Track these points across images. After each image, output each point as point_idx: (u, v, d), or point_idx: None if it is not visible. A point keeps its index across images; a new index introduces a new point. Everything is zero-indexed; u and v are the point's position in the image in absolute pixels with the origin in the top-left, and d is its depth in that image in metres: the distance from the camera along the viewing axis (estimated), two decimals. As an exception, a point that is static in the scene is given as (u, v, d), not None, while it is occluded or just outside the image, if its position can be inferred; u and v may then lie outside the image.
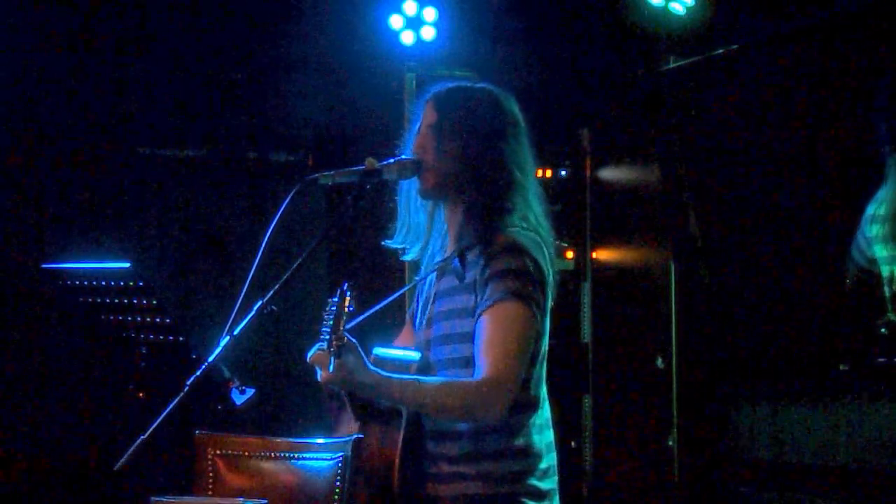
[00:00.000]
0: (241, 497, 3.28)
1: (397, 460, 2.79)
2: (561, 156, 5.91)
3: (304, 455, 3.55)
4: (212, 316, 5.12)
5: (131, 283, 3.60)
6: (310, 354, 2.77)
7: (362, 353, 2.74)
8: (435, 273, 2.97)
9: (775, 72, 5.11)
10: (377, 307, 2.99)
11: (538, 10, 5.74)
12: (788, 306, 4.98)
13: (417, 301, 3.10)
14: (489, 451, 2.81)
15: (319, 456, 3.54)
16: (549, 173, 5.93)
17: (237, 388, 3.08)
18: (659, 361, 5.60)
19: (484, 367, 2.71)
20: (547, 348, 2.88)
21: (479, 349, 2.74)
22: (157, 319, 3.68)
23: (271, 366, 5.47)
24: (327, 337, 2.67)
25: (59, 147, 5.27)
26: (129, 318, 3.73)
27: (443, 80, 3.11)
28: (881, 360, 4.01)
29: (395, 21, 5.43)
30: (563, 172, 5.95)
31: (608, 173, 5.99)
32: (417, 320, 3.04)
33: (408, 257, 3.09)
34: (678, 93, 5.55)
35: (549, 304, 2.86)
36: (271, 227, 2.89)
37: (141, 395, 3.82)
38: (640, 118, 5.74)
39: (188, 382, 2.78)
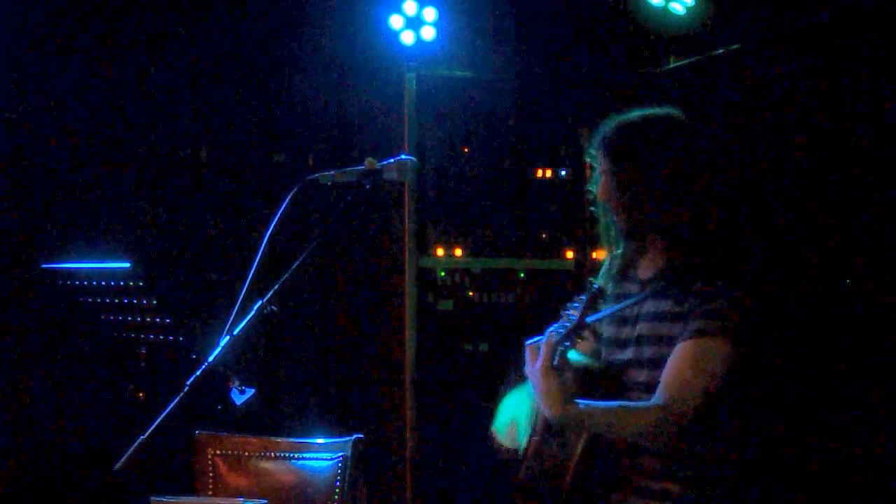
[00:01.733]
0: (241, 497, 3.28)
1: (573, 465, 2.77)
2: (561, 156, 5.91)
3: (304, 455, 3.56)
4: (212, 316, 5.12)
5: (131, 283, 3.61)
6: (541, 340, 2.77)
7: (572, 382, 2.74)
8: (626, 293, 2.94)
9: (775, 72, 5.11)
10: (606, 313, 2.92)
11: (538, 10, 5.74)
12: (788, 305, 4.98)
13: (601, 317, 3.01)
14: (685, 475, 2.81)
15: (319, 456, 3.54)
16: (549, 173, 5.93)
17: (237, 388, 3.08)
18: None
19: (666, 391, 2.71)
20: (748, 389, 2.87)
21: (669, 373, 2.73)
22: (157, 319, 3.69)
23: (271, 366, 5.47)
24: (563, 331, 2.70)
25: (59, 147, 5.27)
26: (129, 318, 3.74)
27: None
28: (881, 359, 4.01)
29: (395, 21, 5.43)
30: (563, 172, 5.95)
31: (608, 173, 5.98)
32: (604, 335, 2.99)
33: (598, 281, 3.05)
34: (678, 93, 5.55)
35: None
36: (271, 227, 2.89)
37: (141, 395, 3.82)
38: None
39: (188, 382, 2.78)
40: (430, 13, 5.46)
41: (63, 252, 4.99)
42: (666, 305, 2.83)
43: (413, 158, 3.03)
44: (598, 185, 2.95)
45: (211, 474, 3.54)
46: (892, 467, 4.35)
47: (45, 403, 5.14)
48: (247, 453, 3.58)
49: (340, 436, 3.58)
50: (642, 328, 2.87)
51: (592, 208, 3.05)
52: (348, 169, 2.98)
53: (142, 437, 2.69)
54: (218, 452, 3.57)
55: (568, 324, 2.75)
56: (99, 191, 5.34)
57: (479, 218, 5.91)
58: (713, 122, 5.44)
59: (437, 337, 5.73)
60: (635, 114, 3.01)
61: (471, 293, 5.88)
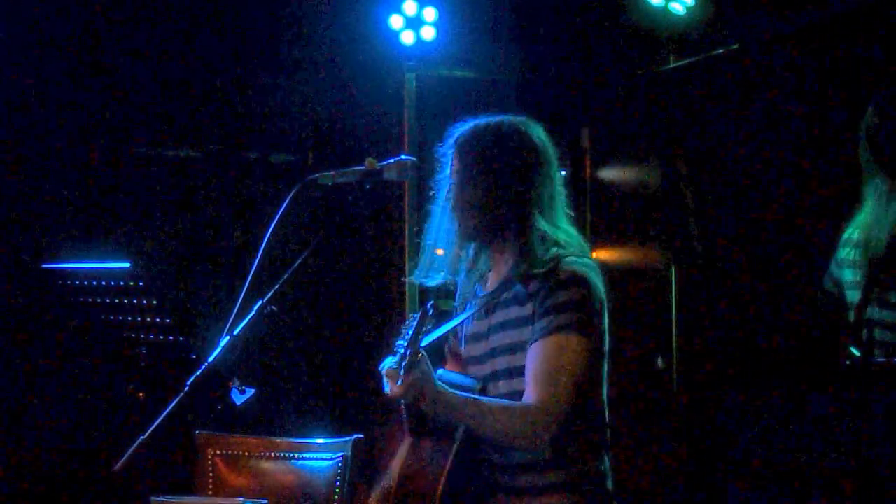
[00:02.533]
0: (241, 497, 3.28)
1: (444, 478, 2.78)
2: (561, 156, 5.90)
3: (304, 455, 3.56)
4: (212, 316, 5.12)
5: (131, 283, 3.60)
6: (382, 366, 2.82)
7: (431, 369, 2.76)
8: (477, 308, 2.97)
9: (775, 72, 5.11)
10: (448, 327, 2.97)
11: (538, 10, 5.74)
12: (789, 306, 4.98)
13: (459, 337, 3.09)
14: (559, 481, 2.82)
15: (319, 456, 3.54)
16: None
17: (237, 388, 3.08)
18: (659, 361, 5.60)
19: (536, 393, 2.73)
20: (606, 375, 2.89)
21: (531, 377, 2.76)
22: (157, 319, 3.68)
23: (271, 366, 5.47)
24: (401, 351, 2.72)
25: (58, 147, 5.27)
26: (129, 318, 3.73)
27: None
28: (880, 359, 4.00)
29: (395, 21, 5.43)
30: (563, 172, 5.92)
31: (608, 173, 5.99)
32: (465, 353, 3.03)
33: (432, 283, 3.08)
34: (678, 93, 5.55)
35: (606, 325, 2.88)
36: (271, 227, 2.89)
37: (141, 395, 3.82)
38: (640, 118, 5.74)
39: (188, 382, 2.78)
40: (430, 13, 5.46)
41: (63, 252, 4.99)
42: (512, 313, 2.86)
43: (413, 158, 3.04)
44: (448, 186, 2.98)
45: (211, 474, 3.54)
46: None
47: (45, 403, 5.14)
48: (247, 453, 3.58)
49: (340, 436, 3.58)
50: (494, 340, 2.91)
51: (432, 206, 3.09)
52: (348, 169, 2.98)
53: (142, 437, 2.69)
54: (218, 452, 3.57)
55: (403, 342, 2.76)
56: (99, 191, 5.34)
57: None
58: (712, 122, 5.44)
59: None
60: (484, 119, 3.01)
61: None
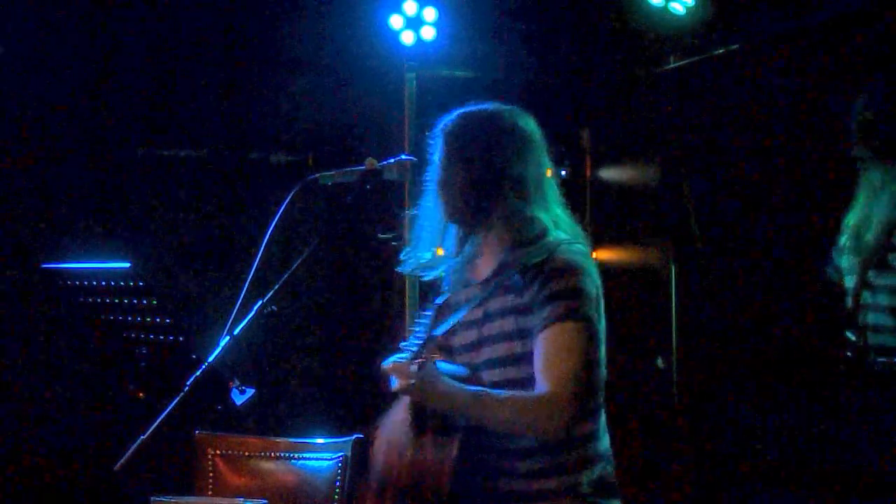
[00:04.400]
0: (241, 497, 3.28)
1: (448, 471, 2.79)
2: (561, 156, 5.91)
3: (304, 455, 3.56)
4: (212, 316, 5.12)
5: (131, 283, 3.60)
6: (388, 363, 2.81)
7: (438, 366, 2.78)
8: (468, 298, 2.97)
9: (775, 72, 5.11)
10: (457, 318, 2.95)
11: (538, 9, 5.74)
12: (789, 305, 4.98)
13: (450, 327, 3.08)
14: (570, 462, 2.84)
15: (319, 456, 3.55)
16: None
17: (237, 388, 3.08)
18: (659, 361, 5.60)
19: (545, 383, 2.75)
20: (604, 358, 2.90)
21: (540, 367, 2.77)
22: (157, 319, 3.68)
23: (271, 366, 5.47)
24: (414, 348, 2.73)
25: (59, 147, 5.27)
26: (129, 318, 3.73)
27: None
28: (881, 359, 4.01)
29: (395, 21, 5.43)
30: (563, 172, 5.94)
31: (608, 173, 5.99)
32: (456, 343, 3.03)
33: (428, 277, 3.09)
34: (678, 93, 5.55)
35: (602, 310, 2.90)
36: (271, 227, 2.89)
37: (141, 395, 3.82)
38: (640, 118, 5.74)
39: (188, 382, 2.78)
40: (430, 13, 5.45)
41: (63, 252, 4.99)
42: (508, 301, 2.87)
43: (413, 158, 3.04)
44: (436, 174, 3.00)
45: (211, 474, 3.55)
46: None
47: (45, 403, 5.14)
48: (247, 453, 3.58)
49: (340, 436, 3.58)
50: (489, 328, 2.91)
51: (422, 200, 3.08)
52: (348, 169, 2.99)
53: (142, 437, 2.69)
54: (218, 452, 3.57)
55: (418, 340, 2.78)
56: (99, 191, 5.34)
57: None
58: (712, 122, 5.44)
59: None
60: (470, 107, 3.05)
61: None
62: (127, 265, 3.69)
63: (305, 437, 3.69)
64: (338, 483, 3.49)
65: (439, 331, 2.89)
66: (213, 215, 5.54)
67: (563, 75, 5.84)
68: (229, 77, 5.53)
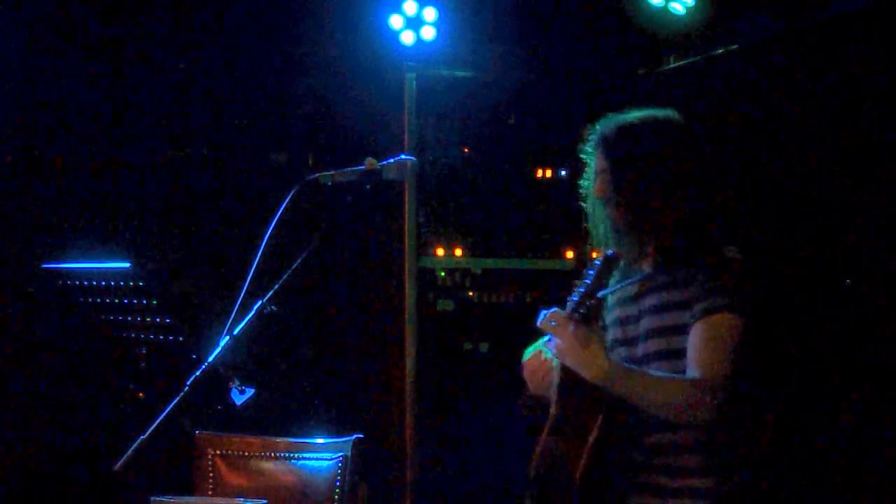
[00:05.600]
0: (241, 497, 3.28)
1: (584, 460, 2.77)
2: (561, 156, 5.91)
3: (304, 455, 3.56)
4: (212, 316, 5.12)
5: (131, 283, 3.61)
6: (544, 315, 2.78)
7: (601, 329, 2.80)
8: (636, 283, 2.98)
9: (775, 72, 5.11)
10: (618, 287, 2.94)
11: (538, 9, 5.74)
12: (789, 305, 4.98)
13: (612, 291, 3.06)
14: (718, 464, 2.86)
15: (319, 456, 3.55)
16: (549, 173, 5.93)
17: (237, 388, 3.08)
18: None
19: (697, 369, 2.78)
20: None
21: (693, 355, 2.81)
22: (157, 319, 3.69)
23: (271, 366, 5.47)
24: (576, 298, 2.69)
25: (58, 147, 5.27)
26: (129, 318, 3.74)
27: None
28: (881, 359, 4.01)
29: (395, 21, 5.43)
30: (563, 172, 5.94)
31: (608, 173, 5.98)
32: (610, 339, 3.03)
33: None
34: (678, 93, 5.55)
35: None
36: (271, 227, 2.89)
37: (141, 395, 3.82)
38: (640, 118, 5.73)
39: (188, 382, 2.79)
40: (430, 13, 5.45)
41: (63, 252, 4.99)
42: (668, 297, 2.89)
43: (413, 158, 3.04)
44: (592, 182, 3.02)
45: (211, 474, 3.55)
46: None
47: (45, 403, 5.14)
48: (247, 453, 3.58)
49: (340, 436, 3.59)
50: (646, 323, 2.93)
51: (583, 204, 3.11)
52: (348, 169, 2.99)
53: (142, 437, 2.69)
54: (218, 452, 3.57)
55: (582, 289, 2.73)
56: (99, 191, 5.34)
57: (479, 218, 5.91)
58: (713, 122, 5.44)
59: (437, 337, 5.73)
60: (634, 114, 3.10)
61: (471, 293, 5.88)
62: (127, 265, 3.70)
63: (305, 437, 3.68)
64: (338, 483, 3.49)
65: (603, 292, 2.80)
66: (213, 215, 5.54)
67: (563, 75, 5.84)
68: (229, 77, 5.53)
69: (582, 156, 3.09)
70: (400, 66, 5.54)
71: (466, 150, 5.90)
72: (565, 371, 2.80)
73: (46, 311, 5.10)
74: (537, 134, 5.94)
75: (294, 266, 2.88)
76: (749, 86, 5.24)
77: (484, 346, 5.83)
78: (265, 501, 2.98)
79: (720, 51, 5.33)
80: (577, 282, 2.77)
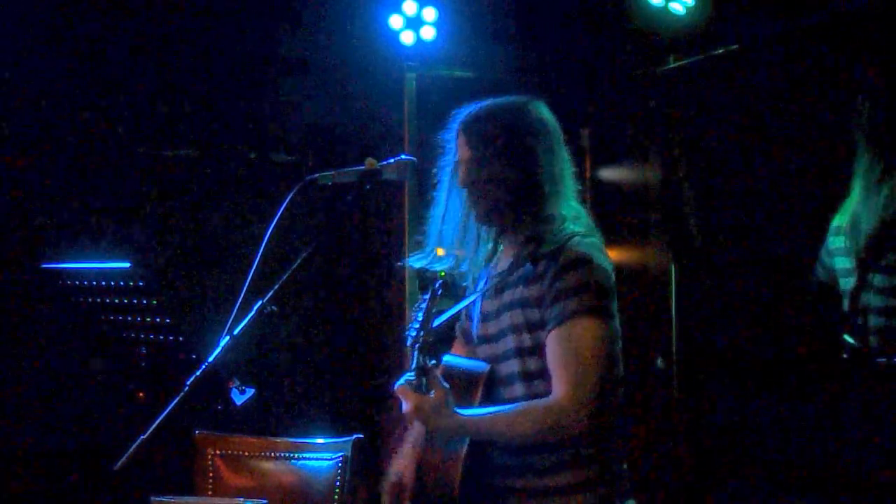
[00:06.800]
0: (241, 497, 3.28)
1: (459, 470, 2.80)
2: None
3: (304, 455, 3.56)
4: (212, 316, 5.11)
5: (131, 283, 3.60)
6: (397, 385, 2.81)
7: (448, 391, 2.76)
8: (488, 287, 2.97)
9: (775, 72, 5.11)
10: (459, 307, 2.99)
11: (538, 10, 5.74)
12: (789, 304, 4.98)
13: (471, 317, 3.10)
14: (585, 457, 2.82)
15: (319, 456, 3.55)
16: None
17: (237, 388, 3.08)
18: (659, 361, 5.60)
19: (561, 384, 2.73)
20: (620, 353, 2.86)
21: (555, 366, 2.75)
22: (157, 319, 3.68)
23: (271, 366, 5.47)
24: (413, 333, 2.72)
25: (58, 147, 5.27)
26: (129, 318, 3.73)
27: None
28: (881, 359, 4.01)
29: (395, 21, 5.43)
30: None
31: (608, 173, 5.99)
32: (476, 335, 3.03)
33: (438, 268, 3.10)
34: (678, 93, 5.55)
35: (615, 306, 2.87)
36: (271, 227, 2.89)
37: (141, 395, 3.82)
38: (640, 118, 5.74)
39: (188, 382, 2.78)
40: (430, 13, 5.46)
41: (63, 252, 4.99)
42: (525, 292, 2.85)
43: (413, 158, 3.03)
44: (451, 173, 3.00)
45: (211, 474, 3.55)
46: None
47: (45, 403, 5.14)
48: (247, 453, 3.58)
49: (340, 436, 3.58)
50: (503, 320, 2.90)
51: (435, 196, 3.11)
52: (348, 169, 2.98)
53: (142, 437, 2.69)
54: (218, 452, 3.57)
55: (416, 324, 2.77)
56: (99, 191, 5.34)
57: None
58: (712, 122, 5.44)
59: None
60: (496, 101, 3.02)
61: (470, 293, 5.86)
62: (127, 265, 3.70)
63: (305, 437, 3.68)
64: (338, 483, 3.49)
65: (444, 316, 2.87)
66: (213, 215, 5.54)
67: (563, 75, 5.84)
68: (229, 77, 5.53)
69: (444, 145, 3.06)
70: (400, 67, 5.54)
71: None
72: None
73: (46, 311, 5.09)
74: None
75: (294, 266, 2.88)
76: (749, 86, 5.24)
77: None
78: (265, 501, 2.98)
79: (720, 51, 5.33)
80: (413, 308, 2.80)
